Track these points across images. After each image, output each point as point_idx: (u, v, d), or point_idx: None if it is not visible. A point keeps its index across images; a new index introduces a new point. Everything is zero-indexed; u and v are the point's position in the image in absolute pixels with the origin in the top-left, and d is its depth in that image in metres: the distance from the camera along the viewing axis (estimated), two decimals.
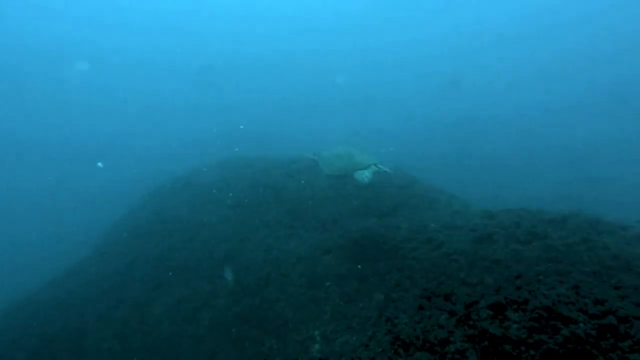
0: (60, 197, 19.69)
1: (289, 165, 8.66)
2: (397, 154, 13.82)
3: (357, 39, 41.03)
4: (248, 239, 6.78)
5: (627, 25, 30.62)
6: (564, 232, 3.77)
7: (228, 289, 5.81)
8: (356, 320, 4.07)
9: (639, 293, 2.77)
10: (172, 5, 44.84)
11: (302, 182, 7.87)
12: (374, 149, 8.46)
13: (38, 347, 6.11)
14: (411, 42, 39.41)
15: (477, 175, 15.31)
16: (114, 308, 6.40)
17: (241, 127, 21.75)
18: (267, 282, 5.57)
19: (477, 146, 18.58)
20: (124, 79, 36.60)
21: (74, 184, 20.79)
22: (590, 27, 33.28)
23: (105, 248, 8.67)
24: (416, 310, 3.55)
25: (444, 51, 36.41)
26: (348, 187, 7.35)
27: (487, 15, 38.38)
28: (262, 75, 35.99)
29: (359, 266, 4.79)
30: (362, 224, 6.17)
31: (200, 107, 30.25)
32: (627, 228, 3.93)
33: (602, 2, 33.72)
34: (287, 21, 45.48)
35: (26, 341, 6.33)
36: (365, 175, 6.58)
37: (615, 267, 3.09)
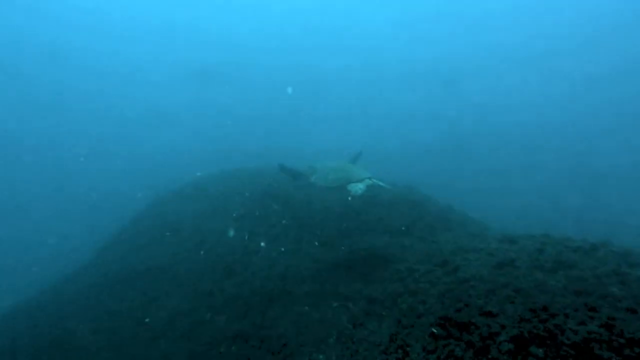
0: (64, 201, 19.79)
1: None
2: (403, 171, 13.73)
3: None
4: (252, 252, 6.63)
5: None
6: (593, 262, 3.57)
7: (229, 304, 5.66)
8: (364, 345, 3.88)
9: None
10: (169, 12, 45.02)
11: (312, 195, 7.74)
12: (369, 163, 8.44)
13: (28, 357, 5.99)
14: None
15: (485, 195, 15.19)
16: (109, 319, 6.26)
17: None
18: (271, 299, 5.41)
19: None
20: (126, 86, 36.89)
21: (77, 189, 20.91)
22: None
23: (106, 256, 8.57)
24: (430, 339, 3.37)
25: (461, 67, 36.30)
26: (359, 202, 7.20)
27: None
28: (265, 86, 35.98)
29: (369, 287, 4.62)
30: (373, 241, 6.00)
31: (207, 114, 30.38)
32: None
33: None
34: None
35: (16, 350, 6.22)
36: (359, 188, 6.51)
37: None
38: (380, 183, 6.70)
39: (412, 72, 34.77)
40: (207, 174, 11.52)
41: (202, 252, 7.10)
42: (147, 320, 6.03)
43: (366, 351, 3.80)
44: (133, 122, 30.19)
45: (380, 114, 29.12)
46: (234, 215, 7.89)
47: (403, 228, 6.47)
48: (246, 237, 6.98)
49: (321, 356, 4.16)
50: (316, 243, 6.44)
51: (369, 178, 6.72)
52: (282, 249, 6.33)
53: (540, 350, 2.79)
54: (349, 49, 40.48)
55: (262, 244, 6.71)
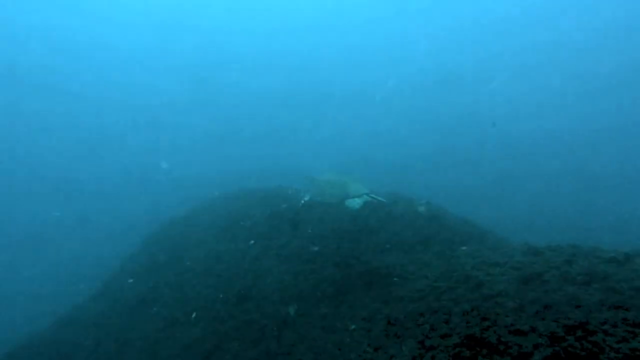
0: (66, 231, 19.82)
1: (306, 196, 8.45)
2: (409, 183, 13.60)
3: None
4: (264, 275, 6.50)
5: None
6: (628, 274, 3.38)
7: (242, 330, 5.50)
8: None
9: None
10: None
11: (323, 213, 7.62)
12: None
13: None
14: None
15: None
16: (121, 351, 6.14)
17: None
18: (285, 324, 5.25)
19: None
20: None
21: (82, 216, 20.98)
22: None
23: (116, 284, 8.50)
24: None
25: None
26: (371, 220, 7.05)
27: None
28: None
29: (388, 307, 4.45)
30: (388, 259, 5.84)
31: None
32: None
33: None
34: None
35: None
36: (356, 203, 6.42)
37: None
38: (379, 198, 6.66)
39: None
40: (212, 196, 11.50)
41: (213, 277, 6.99)
42: (159, 350, 5.90)
43: None
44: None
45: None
46: (243, 237, 7.79)
47: (419, 244, 6.32)
48: (258, 260, 6.86)
49: None
50: (330, 264, 6.30)
51: (367, 194, 6.69)
52: (295, 271, 6.19)
53: None
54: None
55: (274, 266, 6.58)
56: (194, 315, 6.29)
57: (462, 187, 16.96)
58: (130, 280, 8.13)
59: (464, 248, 5.66)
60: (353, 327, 4.56)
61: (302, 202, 8.37)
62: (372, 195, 6.68)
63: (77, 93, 35.94)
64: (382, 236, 6.58)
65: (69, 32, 39.26)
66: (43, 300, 13.18)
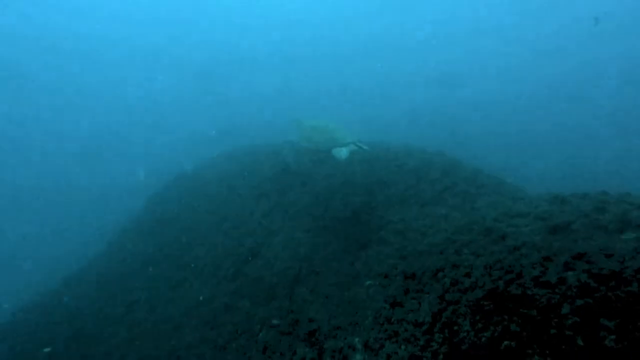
0: (72, 193, 20.01)
1: (316, 151, 8.26)
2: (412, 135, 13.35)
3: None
4: (274, 233, 6.46)
5: None
6: None
7: (253, 288, 5.52)
8: (404, 326, 3.67)
9: None
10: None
11: (332, 167, 7.48)
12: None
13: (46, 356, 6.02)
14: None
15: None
16: (128, 312, 6.22)
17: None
18: (297, 281, 5.24)
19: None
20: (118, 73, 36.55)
21: (87, 180, 21.10)
22: None
23: (120, 244, 8.56)
24: (480, 316, 3.13)
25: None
26: (383, 172, 6.91)
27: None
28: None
29: (404, 262, 4.38)
30: (402, 213, 5.75)
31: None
32: None
33: None
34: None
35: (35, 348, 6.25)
36: (342, 153, 6.51)
37: None
38: (364, 146, 6.56)
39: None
40: (220, 153, 11.35)
41: (221, 235, 6.97)
42: (167, 309, 5.97)
43: (407, 332, 3.59)
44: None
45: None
46: (252, 194, 7.71)
47: (434, 196, 6.19)
48: (267, 217, 6.80)
49: (357, 339, 3.97)
50: (343, 219, 6.22)
51: (353, 142, 6.59)
52: (306, 227, 6.13)
53: (613, 322, 2.52)
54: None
55: (284, 222, 6.52)
56: (202, 273, 6.32)
57: (471, 136, 16.65)
58: (134, 242, 8.17)
59: (481, 200, 5.53)
60: (368, 283, 4.51)
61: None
62: (358, 144, 6.56)
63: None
64: (396, 189, 6.45)
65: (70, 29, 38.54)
66: (48, 261, 13.44)
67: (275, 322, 4.77)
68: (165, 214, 8.59)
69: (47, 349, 5.98)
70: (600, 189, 4.25)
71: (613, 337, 2.45)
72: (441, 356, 3.10)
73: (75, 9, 39.60)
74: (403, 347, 3.48)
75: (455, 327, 3.18)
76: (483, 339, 2.93)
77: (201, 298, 5.71)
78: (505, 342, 2.82)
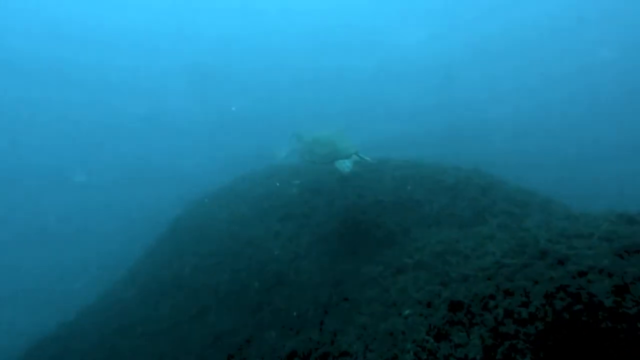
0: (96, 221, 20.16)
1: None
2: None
3: None
4: (300, 257, 6.18)
5: None
6: None
7: (279, 318, 5.22)
8: None
9: None
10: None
11: (360, 187, 7.21)
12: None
13: None
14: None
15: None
16: (148, 341, 5.99)
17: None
18: (327, 310, 4.92)
19: None
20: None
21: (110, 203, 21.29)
22: None
23: (139, 271, 8.41)
24: (544, 353, 2.76)
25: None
26: (416, 191, 6.61)
27: None
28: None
29: (448, 288, 4.03)
30: (439, 235, 5.41)
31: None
32: None
33: None
34: None
35: None
36: (346, 165, 6.23)
37: None
38: (366, 158, 6.42)
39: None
40: (240, 175, 11.22)
41: (245, 260, 6.74)
42: (187, 341, 5.71)
43: None
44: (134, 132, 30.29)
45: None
46: (276, 216, 7.48)
47: (474, 216, 5.84)
48: (292, 241, 6.55)
49: None
50: (373, 242, 5.92)
51: (356, 153, 6.41)
52: (335, 251, 5.85)
53: None
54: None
55: (311, 246, 6.25)
56: (224, 302, 6.07)
57: (510, 154, 16.17)
58: (156, 265, 8.01)
59: (529, 220, 5.15)
60: (407, 312, 4.17)
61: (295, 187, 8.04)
62: (360, 155, 6.36)
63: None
64: (431, 209, 6.13)
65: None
66: (66, 293, 13.46)
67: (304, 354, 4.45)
68: (185, 240, 8.43)
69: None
70: None
71: None
72: None
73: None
74: None
75: None
76: None
77: (224, 329, 5.45)
78: None
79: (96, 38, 41.35)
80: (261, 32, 42.38)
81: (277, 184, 8.69)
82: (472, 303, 3.65)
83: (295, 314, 5.16)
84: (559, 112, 22.25)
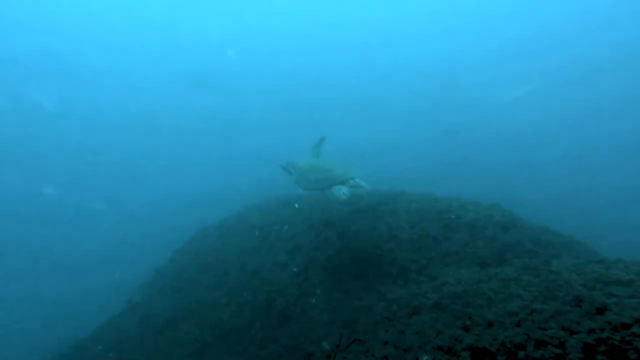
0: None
1: (356, 202, 7.80)
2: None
3: None
4: (309, 292, 5.90)
5: None
6: None
7: (285, 358, 4.91)
8: None
9: None
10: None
11: (374, 219, 6.97)
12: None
13: None
14: None
15: None
16: None
17: None
18: (338, 352, 4.61)
19: None
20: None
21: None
22: None
23: (141, 303, 8.14)
24: None
25: None
26: (433, 226, 6.35)
27: None
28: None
29: (471, 334, 3.73)
30: (459, 274, 5.11)
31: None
32: None
33: None
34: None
35: None
36: (342, 192, 6.05)
37: None
38: (363, 183, 6.22)
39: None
40: (248, 204, 11.03)
41: (248, 294, 6.46)
42: None
43: None
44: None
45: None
46: (284, 248, 7.23)
47: (495, 256, 5.55)
48: (301, 275, 6.27)
49: None
50: (387, 279, 5.63)
51: (352, 178, 6.25)
52: (346, 288, 5.56)
53: None
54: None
55: (320, 281, 5.97)
56: (227, 338, 5.77)
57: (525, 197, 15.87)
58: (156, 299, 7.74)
59: (557, 261, 4.85)
60: (425, 358, 3.86)
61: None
62: (357, 180, 6.25)
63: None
64: (449, 246, 5.85)
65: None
66: (62, 322, 13.19)
67: None
68: (189, 270, 8.19)
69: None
70: None
71: None
72: None
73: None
74: None
75: None
76: None
77: None
78: None
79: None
80: None
81: (275, 228, 8.37)
82: (498, 352, 3.34)
83: (302, 353, 4.85)
84: None
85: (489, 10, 40.42)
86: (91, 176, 28.68)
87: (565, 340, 3.03)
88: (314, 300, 5.68)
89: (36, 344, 11.54)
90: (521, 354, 3.16)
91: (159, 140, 33.24)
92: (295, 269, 6.55)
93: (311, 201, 8.90)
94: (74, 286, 17.19)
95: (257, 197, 11.27)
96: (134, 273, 13.18)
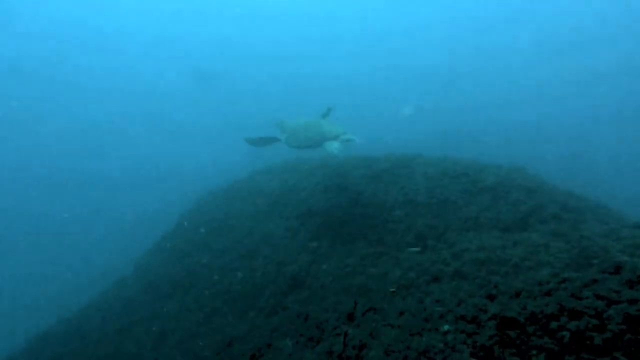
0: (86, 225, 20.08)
1: (370, 165, 7.54)
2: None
3: None
4: (321, 259, 5.74)
5: None
6: None
7: (296, 325, 4.80)
8: None
9: None
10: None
11: (388, 183, 6.74)
12: None
13: None
14: None
15: None
16: (155, 346, 5.64)
17: None
18: (352, 319, 4.48)
19: None
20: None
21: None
22: None
23: (148, 268, 8.07)
24: None
25: None
26: (452, 191, 6.10)
27: None
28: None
29: (496, 303, 3.55)
30: (480, 240, 4.90)
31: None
32: None
33: None
34: None
35: None
36: (334, 147, 6.11)
37: None
38: (355, 138, 6.37)
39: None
40: (257, 168, 10.82)
41: (260, 260, 6.33)
42: (200, 343, 5.34)
43: None
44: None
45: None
46: (295, 214, 7.06)
47: (518, 220, 5.32)
48: (313, 240, 6.11)
49: None
50: (403, 245, 5.45)
51: (343, 133, 6.39)
52: (361, 254, 5.38)
53: None
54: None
55: (333, 247, 5.81)
56: (238, 304, 5.68)
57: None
58: (164, 254, 7.67)
59: (587, 226, 4.61)
60: (446, 327, 3.69)
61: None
62: (349, 135, 6.41)
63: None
64: (469, 211, 5.62)
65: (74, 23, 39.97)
66: (72, 288, 13.31)
67: None
68: (196, 234, 8.07)
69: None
70: None
71: None
72: None
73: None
74: None
75: None
76: None
77: (235, 334, 5.04)
78: None
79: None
80: None
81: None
82: (527, 322, 3.15)
83: (314, 321, 4.73)
84: None
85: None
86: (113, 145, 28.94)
87: (603, 311, 2.83)
88: (325, 267, 5.52)
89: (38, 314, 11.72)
90: (553, 324, 2.97)
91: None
92: (306, 234, 6.39)
93: (322, 164, 8.67)
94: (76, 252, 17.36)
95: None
96: (138, 239, 13.24)
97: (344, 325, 4.44)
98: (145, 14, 44.65)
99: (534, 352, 2.89)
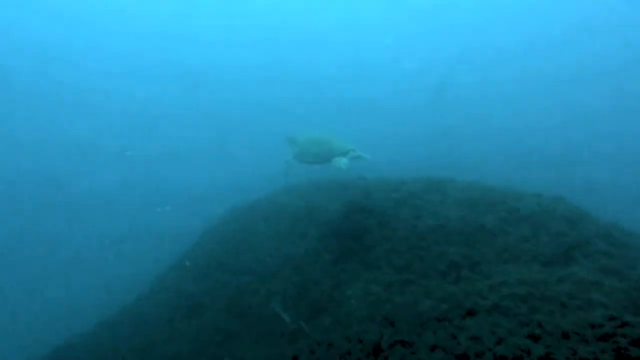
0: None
1: (398, 188, 7.31)
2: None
3: None
4: (345, 283, 5.50)
5: None
6: None
7: (318, 354, 4.54)
8: None
9: None
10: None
11: (419, 208, 6.49)
12: None
13: None
14: None
15: None
16: None
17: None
18: (378, 352, 4.21)
19: None
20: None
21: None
22: None
23: (163, 286, 7.96)
24: None
25: None
26: (489, 219, 5.81)
27: None
28: None
29: (540, 346, 3.24)
30: (519, 273, 4.59)
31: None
32: None
33: None
34: None
35: None
36: (343, 163, 6.21)
37: None
38: (364, 154, 6.48)
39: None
40: (282, 186, 10.69)
41: (278, 281, 6.13)
42: None
43: None
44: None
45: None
46: (317, 235, 6.86)
47: (560, 254, 4.99)
48: (336, 264, 5.88)
49: None
50: (433, 274, 5.16)
51: (352, 149, 6.47)
52: (388, 281, 5.12)
53: None
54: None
55: (359, 272, 5.56)
56: (255, 328, 5.46)
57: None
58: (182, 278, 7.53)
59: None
60: None
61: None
62: (358, 152, 6.51)
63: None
64: (506, 241, 5.32)
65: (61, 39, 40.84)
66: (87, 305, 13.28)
67: None
68: (217, 254, 7.92)
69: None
70: None
71: None
72: None
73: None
74: None
75: None
76: None
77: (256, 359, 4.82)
78: None
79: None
80: None
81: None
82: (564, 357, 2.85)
83: (337, 351, 4.47)
84: None
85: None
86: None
87: None
88: (349, 292, 5.27)
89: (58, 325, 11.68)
90: None
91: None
92: (329, 257, 6.17)
93: (348, 184, 8.48)
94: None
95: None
96: (158, 257, 13.14)
97: (368, 358, 4.17)
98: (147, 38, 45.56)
99: None
